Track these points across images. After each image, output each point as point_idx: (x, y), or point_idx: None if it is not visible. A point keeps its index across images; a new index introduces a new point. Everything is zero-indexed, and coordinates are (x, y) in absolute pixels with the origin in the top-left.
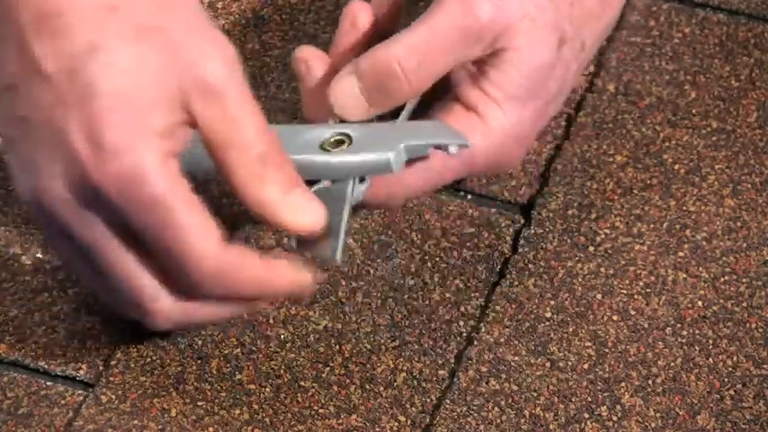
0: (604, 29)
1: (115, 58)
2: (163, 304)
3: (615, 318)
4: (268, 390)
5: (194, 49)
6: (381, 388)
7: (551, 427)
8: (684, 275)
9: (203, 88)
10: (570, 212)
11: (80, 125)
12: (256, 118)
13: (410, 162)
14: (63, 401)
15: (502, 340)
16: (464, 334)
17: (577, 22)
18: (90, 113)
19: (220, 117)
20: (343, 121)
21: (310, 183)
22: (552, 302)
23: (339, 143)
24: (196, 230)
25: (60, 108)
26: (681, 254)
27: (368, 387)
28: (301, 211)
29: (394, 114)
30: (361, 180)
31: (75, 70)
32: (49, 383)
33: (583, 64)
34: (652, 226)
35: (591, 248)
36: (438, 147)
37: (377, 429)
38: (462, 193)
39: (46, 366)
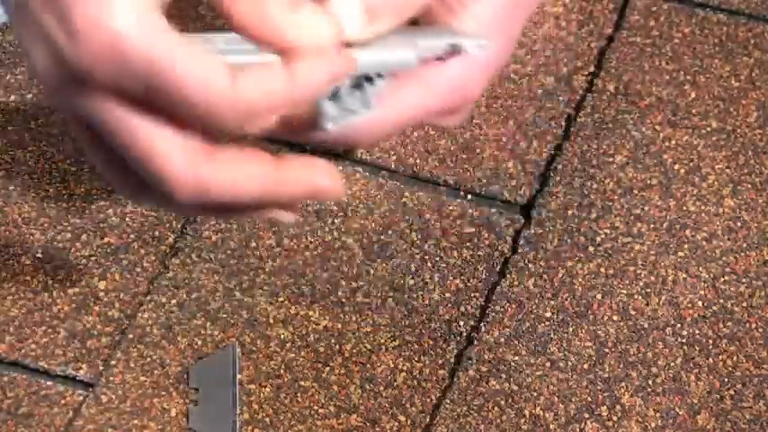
0: None
1: None
2: (177, 166)
3: (615, 318)
4: (268, 390)
5: None
6: (381, 388)
7: (551, 427)
8: (684, 275)
9: None
10: (570, 212)
11: (46, 8)
12: None
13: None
14: (63, 401)
15: (502, 340)
16: (464, 334)
17: None
18: None
19: None
20: None
21: None
22: (552, 302)
23: None
24: (199, 81)
25: None
26: (681, 254)
27: (368, 387)
28: (311, 29)
29: None
30: (379, 76)
31: None
32: (49, 383)
33: (527, 18)
34: (652, 226)
35: (591, 248)
36: (454, 46)
37: (377, 429)
38: (462, 193)
39: (46, 366)
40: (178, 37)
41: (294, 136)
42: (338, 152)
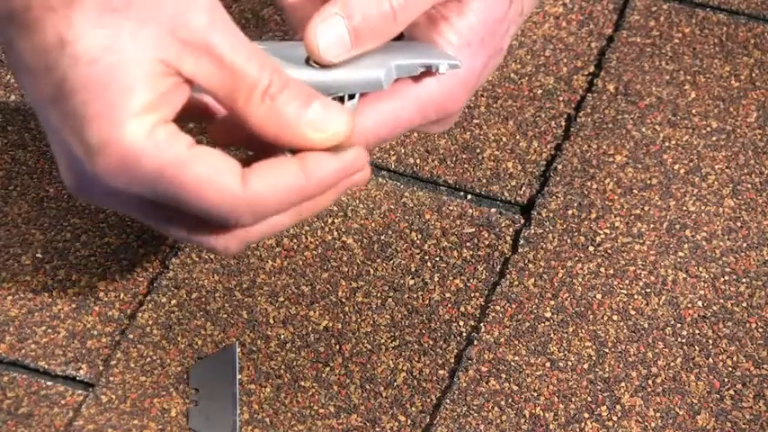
0: (538, 1)
1: (84, 47)
2: (217, 242)
3: (615, 318)
4: (268, 390)
5: (168, 7)
6: (381, 388)
7: (551, 427)
8: (684, 275)
9: (189, 46)
10: (570, 212)
11: (65, 123)
12: (252, 56)
13: (366, 107)
14: (63, 401)
15: (502, 340)
16: (464, 334)
17: None
18: (69, 111)
19: (215, 70)
20: (317, 63)
21: None
22: (552, 302)
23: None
24: (208, 184)
25: (47, 104)
26: (681, 254)
27: (368, 387)
28: (324, 124)
29: None
30: (351, 96)
31: (49, 67)
32: (49, 383)
33: (517, 28)
34: (652, 226)
35: (591, 248)
36: (428, 67)
37: (377, 429)
38: (462, 193)
39: (46, 366)
40: (187, 144)
41: (262, 153)
42: None
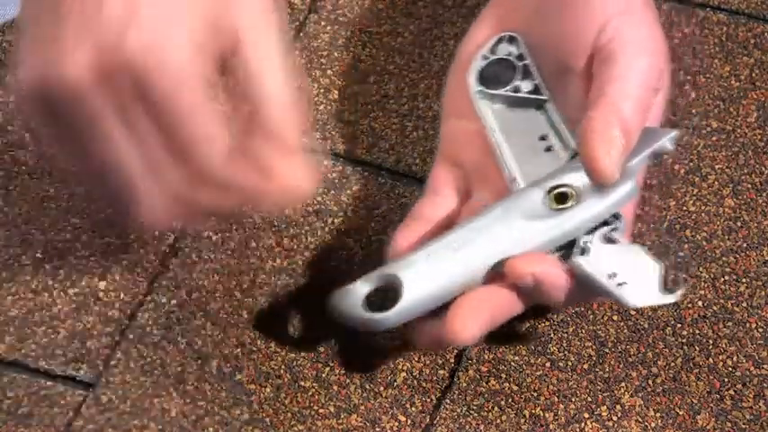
0: None
1: None
2: (152, 191)
3: (615, 318)
4: (268, 390)
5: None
6: (381, 388)
7: (551, 427)
8: (684, 275)
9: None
10: None
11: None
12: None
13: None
14: (63, 401)
15: (502, 340)
16: None
17: None
18: None
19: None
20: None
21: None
22: None
23: (564, 197)
24: (212, 114)
25: None
26: (681, 254)
27: (368, 387)
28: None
29: None
30: (616, 216)
31: None
32: (49, 383)
33: None
34: (652, 226)
35: None
36: (658, 153)
37: (377, 429)
38: None
39: (46, 366)
40: (207, 79)
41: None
42: (337, 151)
